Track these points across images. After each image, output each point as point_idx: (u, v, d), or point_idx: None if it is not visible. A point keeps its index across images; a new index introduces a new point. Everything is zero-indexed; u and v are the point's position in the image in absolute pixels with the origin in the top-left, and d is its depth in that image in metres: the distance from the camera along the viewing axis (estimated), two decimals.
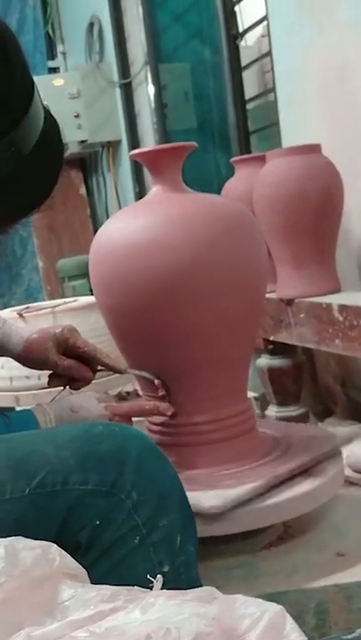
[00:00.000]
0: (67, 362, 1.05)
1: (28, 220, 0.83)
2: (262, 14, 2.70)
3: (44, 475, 0.77)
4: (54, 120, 0.81)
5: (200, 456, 0.99)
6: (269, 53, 2.70)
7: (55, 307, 1.68)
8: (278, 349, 2.14)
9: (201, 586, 0.82)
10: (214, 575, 0.95)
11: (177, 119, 4.04)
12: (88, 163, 4.97)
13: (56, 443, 0.81)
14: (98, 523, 0.76)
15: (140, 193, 4.15)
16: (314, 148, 1.83)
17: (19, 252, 4.98)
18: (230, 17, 2.90)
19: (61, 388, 1.07)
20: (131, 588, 0.51)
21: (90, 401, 0.98)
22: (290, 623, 0.46)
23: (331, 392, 2.35)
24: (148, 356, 1.01)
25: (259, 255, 0.99)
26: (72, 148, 4.53)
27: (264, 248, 1.02)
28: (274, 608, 0.46)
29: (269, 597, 0.92)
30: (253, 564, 0.96)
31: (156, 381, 1.00)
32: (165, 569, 0.77)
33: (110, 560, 0.76)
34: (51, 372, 1.08)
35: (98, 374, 1.10)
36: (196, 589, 0.51)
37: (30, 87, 0.75)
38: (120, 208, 4.44)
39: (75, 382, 1.06)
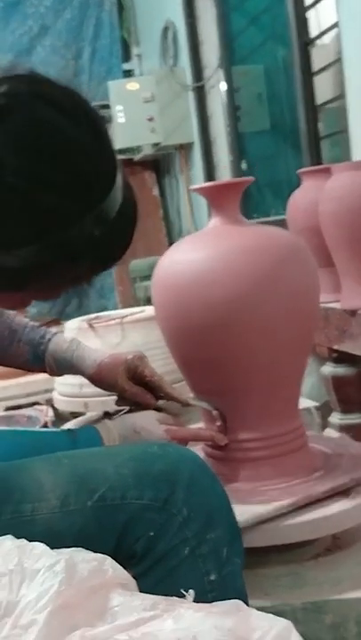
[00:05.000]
0: (134, 388, 1.13)
1: None
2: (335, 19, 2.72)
3: (105, 490, 0.85)
4: (129, 183, 0.90)
5: (247, 471, 1.06)
6: (340, 60, 2.72)
7: (123, 317, 1.77)
8: (343, 358, 2.16)
9: (246, 594, 0.88)
10: (263, 583, 1.01)
11: (250, 121, 4.08)
12: (161, 164, 5.06)
13: (116, 461, 0.88)
14: (152, 534, 0.83)
15: None
16: None
17: None
18: (302, 24, 2.92)
19: (127, 408, 1.16)
20: (169, 598, 0.58)
21: (152, 423, 1.05)
22: (295, 636, 0.53)
23: None
24: (205, 378, 1.07)
25: (312, 285, 1.04)
26: (145, 151, 4.63)
27: (317, 277, 1.07)
28: (282, 623, 0.52)
29: (314, 605, 0.98)
30: (300, 573, 1.02)
31: (213, 412, 1.08)
32: (213, 578, 0.84)
33: (163, 568, 0.83)
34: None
35: None
36: (225, 602, 0.58)
37: (115, 159, 0.85)
38: (192, 211, 4.52)
39: (138, 406, 1.14)
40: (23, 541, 0.61)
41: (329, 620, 0.95)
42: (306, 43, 2.89)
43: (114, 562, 0.60)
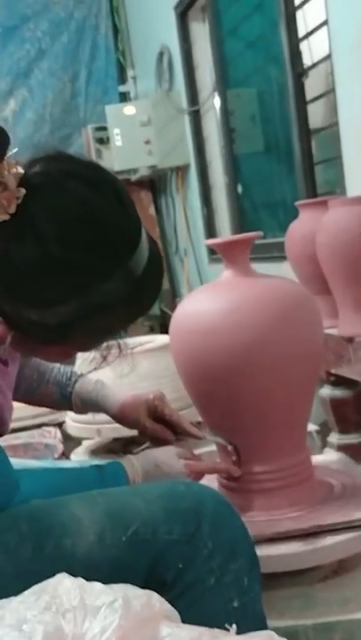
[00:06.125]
0: (155, 426, 1.25)
1: None
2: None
3: (138, 526, 0.94)
4: (153, 239, 1.00)
5: (260, 501, 1.16)
6: (333, 90, 2.81)
7: (134, 347, 1.86)
8: (340, 381, 2.26)
9: (264, 617, 0.97)
10: (277, 604, 1.10)
11: (244, 142, 4.18)
12: (157, 183, 5.16)
13: (146, 499, 0.97)
14: (181, 566, 0.93)
15: (209, 216, 4.31)
16: None
17: None
18: (295, 55, 3.02)
19: (147, 443, 1.26)
20: (211, 629, 0.67)
21: (172, 457, 1.15)
22: None
23: None
24: (221, 417, 1.17)
25: (318, 329, 1.14)
26: (142, 172, 4.72)
27: (321, 324, 1.17)
28: None
29: (325, 625, 1.07)
30: (311, 594, 1.11)
31: (229, 447, 1.18)
32: (235, 604, 0.93)
33: (191, 596, 0.92)
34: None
35: None
36: (259, 633, 0.67)
37: (139, 219, 0.95)
38: (188, 229, 4.62)
39: (158, 442, 1.24)
40: (81, 580, 0.70)
41: (338, 637, 1.05)
42: (300, 74, 2.99)
43: (160, 596, 0.69)
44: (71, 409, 1.35)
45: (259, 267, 1.21)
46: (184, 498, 0.97)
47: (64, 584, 0.68)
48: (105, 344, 1.06)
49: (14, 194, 0.90)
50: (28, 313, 0.93)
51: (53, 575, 0.82)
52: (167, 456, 1.15)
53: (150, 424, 1.25)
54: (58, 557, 0.91)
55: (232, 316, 1.09)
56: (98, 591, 0.66)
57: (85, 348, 1.04)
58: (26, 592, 0.70)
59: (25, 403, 1.36)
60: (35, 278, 0.91)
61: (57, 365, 1.34)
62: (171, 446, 1.20)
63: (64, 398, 1.33)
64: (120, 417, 1.29)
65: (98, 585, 0.67)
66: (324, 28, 2.79)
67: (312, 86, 3.12)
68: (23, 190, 0.90)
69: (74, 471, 1.14)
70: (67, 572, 0.80)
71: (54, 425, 2.77)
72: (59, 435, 2.62)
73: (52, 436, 2.64)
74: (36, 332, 0.95)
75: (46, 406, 1.39)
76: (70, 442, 2.43)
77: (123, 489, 1.05)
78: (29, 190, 0.91)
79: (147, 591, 0.69)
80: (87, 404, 1.32)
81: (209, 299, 1.14)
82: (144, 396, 1.27)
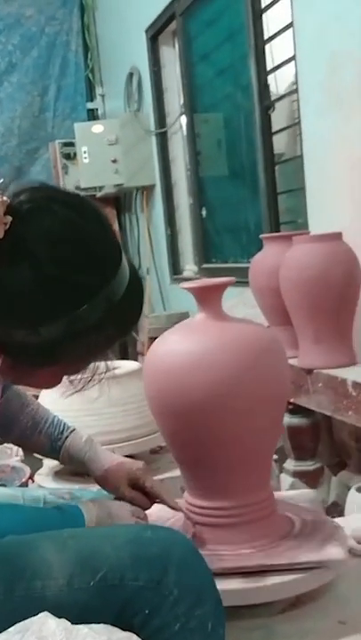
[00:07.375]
0: (132, 493, 1.29)
1: None
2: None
3: (106, 571, 0.96)
4: (130, 260, 1.05)
5: (225, 535, 1.22)
6: (298, 123, 2.90)
7: (101, 374, 1.90)
8: (298, 409, 2.33)
9: None
10: (239, 635, 1.14)
11: (209, 166, 4.25)
12: (122, 201, 5.21)
13: (114, 544, 1.00)
14: (147, 612, 0.95)
15: (172, 237, 4.37)
16: (335, 237, 2.03)
17: None
18: (263, 88, 3.11)
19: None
20: None
21: (124, 514, 1.19)
22: None
23: (345, 447, 2.54)
24: (188, 452, 1.23)
25: (285, 375, 1.21)
26: (107, 189, 4.77)
27: (288, 369, 1.23)
28: None
29: None
30: (270, 626, 1.16)
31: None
32: None
33: None
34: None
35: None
36: None
37: (118, 241, 1.01)
38: (152, 249, 4.67)
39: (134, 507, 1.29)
40: (65, 622, 0.73)
41: None
42: (267, 107, 3.08)
43: (139, 639, 0.74)
44: (59, 460, 1.40)
45: None
46: (151, 544, 1.00)
47: (48, 625, 0.72)
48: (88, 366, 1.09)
49: (2, 220, 0.94)
50: (19, 335, 0.96)
51: (24, 617, 0.86)
52: (121, 511, 1.19)
53: (129, 492, 1.29)
54: (28, 600, 0.93)
55: (203, 359, 1.15)
56: (83, 634, 0.70)
57: (74, 369, 1.07)
58: (10, 629, 0.74)
59: (20, 447, 1.41)
60: (27, 299, 0.95)
61: (51, 416, 1.38)
62: (127, 503, 1.24)
63: (54, 450, 1.38)
64: (102, 481, 1.34)
65: (82, 627, 0.71)
66: (292, 63, 2.89)
67: (278, 117, 3.21)
68: (10, 217, 0.95)
69: (37, 511, 1.17)
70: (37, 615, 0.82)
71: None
72: (20, 452, 2.63)
73: (14, 454, 2.65)
74: (27, 355, 0.98)
75: (40, 454, 1.46)
76: (31, 458, 2.45)
77: (92, 532, 1.08)
78: (18, 218, 0.96)
79: (127, 633, 0.73)
80: (74, 461, 1.38)
81: (182, 339, 1.20)
82: (128, 464, 1.32)
